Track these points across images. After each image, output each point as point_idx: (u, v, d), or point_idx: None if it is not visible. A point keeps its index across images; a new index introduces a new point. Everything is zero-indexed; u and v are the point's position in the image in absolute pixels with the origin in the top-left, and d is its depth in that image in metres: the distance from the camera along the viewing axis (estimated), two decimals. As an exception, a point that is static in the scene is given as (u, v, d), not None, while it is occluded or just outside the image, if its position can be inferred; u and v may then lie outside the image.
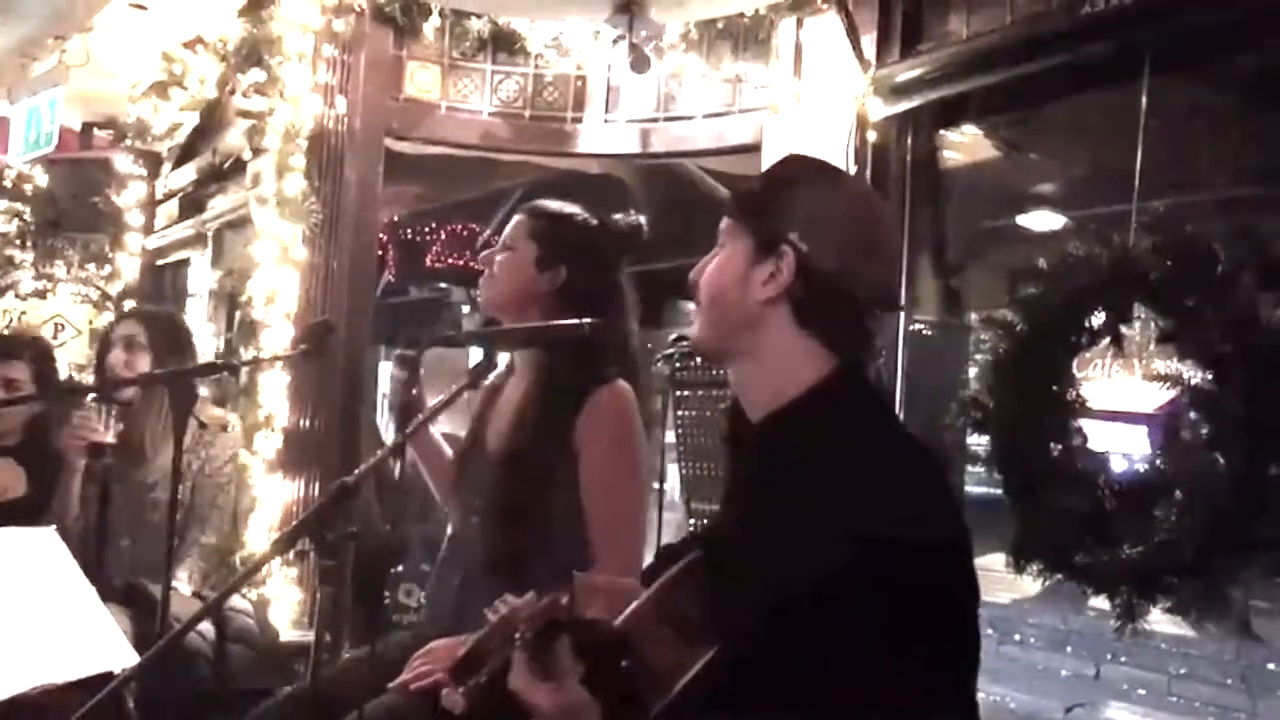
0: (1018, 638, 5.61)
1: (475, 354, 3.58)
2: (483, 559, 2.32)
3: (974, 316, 4.22)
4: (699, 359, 4.11)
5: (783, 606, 1.35)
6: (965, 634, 1.40)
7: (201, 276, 5.44)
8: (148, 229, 6.08)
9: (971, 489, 4.18)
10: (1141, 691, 5.25)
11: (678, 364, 4.10)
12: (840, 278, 1.49)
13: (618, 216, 2.56)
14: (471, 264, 8.30)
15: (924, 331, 4.16)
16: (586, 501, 2.31)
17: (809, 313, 1.51)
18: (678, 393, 4.15)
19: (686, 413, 4.12)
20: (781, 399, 1.51)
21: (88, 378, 6.12)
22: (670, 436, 4.15)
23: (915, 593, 1.32)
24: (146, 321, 3.45)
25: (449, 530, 2.55)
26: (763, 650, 1.36)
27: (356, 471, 1.89)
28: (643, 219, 2.58)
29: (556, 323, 2.31)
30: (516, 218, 2.53)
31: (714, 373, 4.00)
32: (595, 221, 2.53)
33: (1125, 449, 3.29)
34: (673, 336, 4.33)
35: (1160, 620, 2.91)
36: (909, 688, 1.32)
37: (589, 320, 2.16)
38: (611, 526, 2.31)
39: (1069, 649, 5.46)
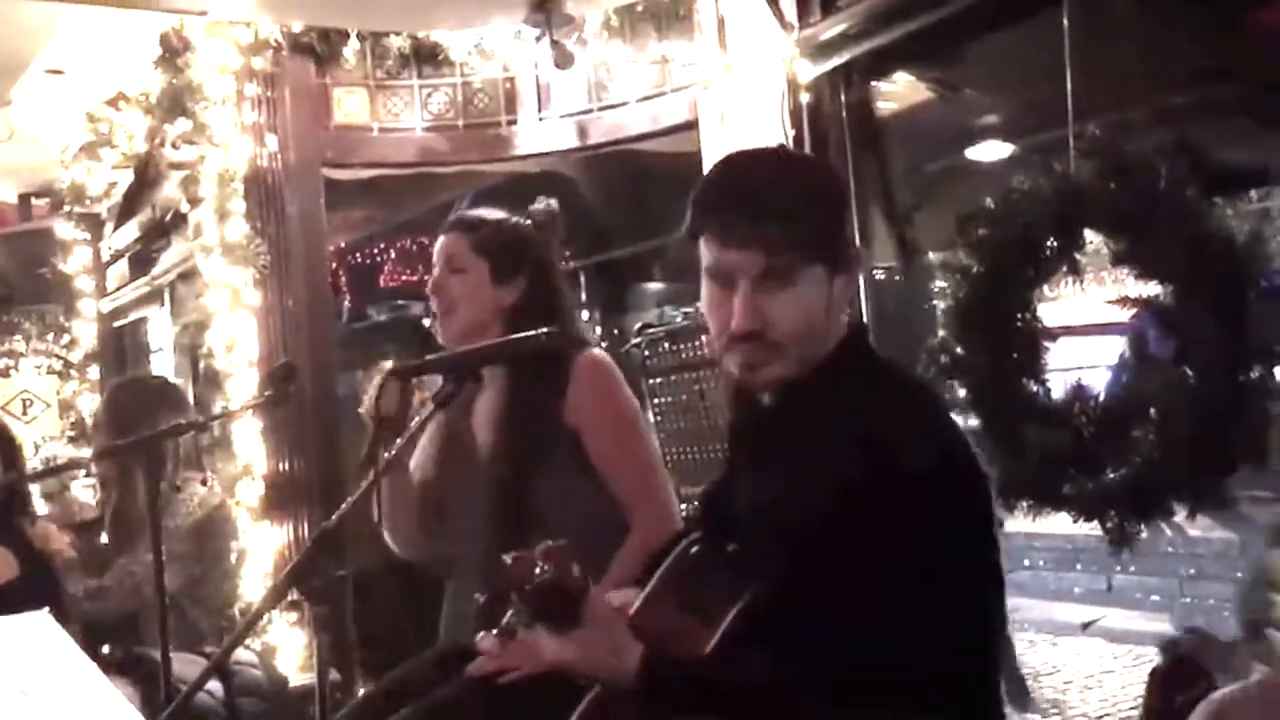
0: (1027, 562, 5.66)
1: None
2: (499, 556, 2.32)
3: (934, 256, 4.24)
4: (668, 344, 4.12)
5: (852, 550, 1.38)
6: (994, 541, 1.50)
7: (161, 332, 5.40)
8: (100, 292, 6.03)
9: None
10: (1155, 598, 5.30)
11: (646, 352, 4.10)
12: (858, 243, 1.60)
13: (535, 208, 2.54)
14: (426, 277, 8.28)
15: (886, 278, 4.17)
16: (605, 467, 2.35)
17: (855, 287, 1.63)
18: (651, 380, 4.15)
19: (661, 399, 4.12)
20: (810, 361, 1.56)
21: (63, 448, 6.09)
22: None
23: (963, 504, 1.44)
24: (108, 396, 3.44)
25: (456, 546, 2.54)
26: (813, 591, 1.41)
27: (336, 514, 1.88)
28: (554, 202, 2.57)
29: (517, 336, 2.29)
30: (449, 237, 2.48)
31: (684, 356, 4.00)
32: (525, 220, 2.51)
33: (1100, 364, 3.30)
34: (638, 325, 4.32)
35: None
36: (956, 595, 1.40)
37: (545, 330, 2.15)
38: (640, 482, 2.37)
39: (1079, 566, 5.50)
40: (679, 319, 4.79)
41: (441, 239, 2.51)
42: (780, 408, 1.60)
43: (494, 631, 1.51)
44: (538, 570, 1.43)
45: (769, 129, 3.90)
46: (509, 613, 1.50)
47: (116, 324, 6.03)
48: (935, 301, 3.36)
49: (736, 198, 1.53)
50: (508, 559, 1.48)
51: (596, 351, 2.44)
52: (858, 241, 1.56)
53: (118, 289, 5.89)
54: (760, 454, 1.66)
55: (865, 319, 3.86)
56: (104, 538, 3.55)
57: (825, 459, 1.46)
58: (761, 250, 1.49)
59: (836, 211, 1.55)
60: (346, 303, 8.41)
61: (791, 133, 3.89)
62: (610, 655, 1.45)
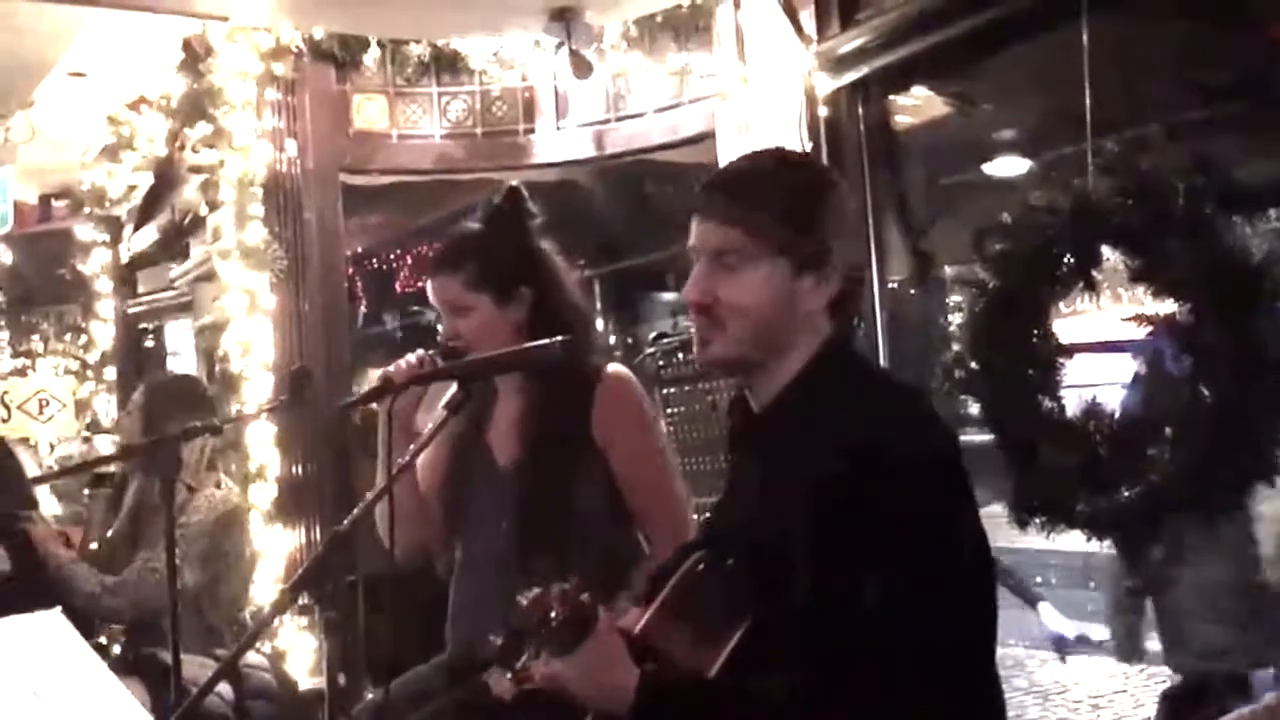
0: (1039, 580, 5.64)
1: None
2: (520, 569, 2.31)
3: (950, 271, 4.23)
4: (682, 354, 4.11)
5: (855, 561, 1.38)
6: (985, 544, 1.50)
7: (178, 335, 5.43)
8: (117, 294, 6.06)
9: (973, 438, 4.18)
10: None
11: (660, 362, 4.09)
12: (858, 266, 1.62)
13: (495, 199, 2.53)
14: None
15: (902, 292, 4.16)
16: (630, 488, 2.36)
17: (842, 302, 1.59)
18: (664, 390, 4.14)
19: (675, 409, 4.11)
20: (789, 375, 1.58)
21: (78, 446, 6.11)
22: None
23: (948, 509, 1.44)
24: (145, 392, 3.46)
25: (459, 553, 2.53)
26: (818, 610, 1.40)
27: (348, 518, 1.88)
28: (515, 182, 2.57)
29: (527, 346, 2.28)
30: (438, 281, 2.44)
31: (698, 366, 3.99)
32: (496, 225, 2.50)
33: (1115, 381, 3.29)
34: (653, 334, 4.31)
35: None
36: (954, 604, 1.41)
37: (560, 339, 2.14)
38: (662, 504, 2.38)
39: (1091, 583, 5.48)
40: (693, 329, 4.78)
41: (431, 283, 2.47)
42: (764, 421, 1.62)
43: (508, 675, 1.51)
44: (553, 614, 1.43)
45: (786, 141, 3.91)
46: (524, 656, 1.50)
47: (140, 326, 6.06)
48: (950, 316, 3.35)
49: (718, 179, 1.65)
50: (523, 600, 1.48)
51: (620, 368, 2.44)
52: (834, 250, 1.54)
53: (147, 293, 5.92)
54: (749, 469, 1.68)
55: (879, 332, 3.85)
56: (108, 534, 3.55)
57: (806, 473, 1.46)
58: (720, 224, 1.57)
59: (813, 211, 1.57)
60: (362, 308, 8.46)
61: (809, 145, 3.89)
62: (605, 675, 1.44)
